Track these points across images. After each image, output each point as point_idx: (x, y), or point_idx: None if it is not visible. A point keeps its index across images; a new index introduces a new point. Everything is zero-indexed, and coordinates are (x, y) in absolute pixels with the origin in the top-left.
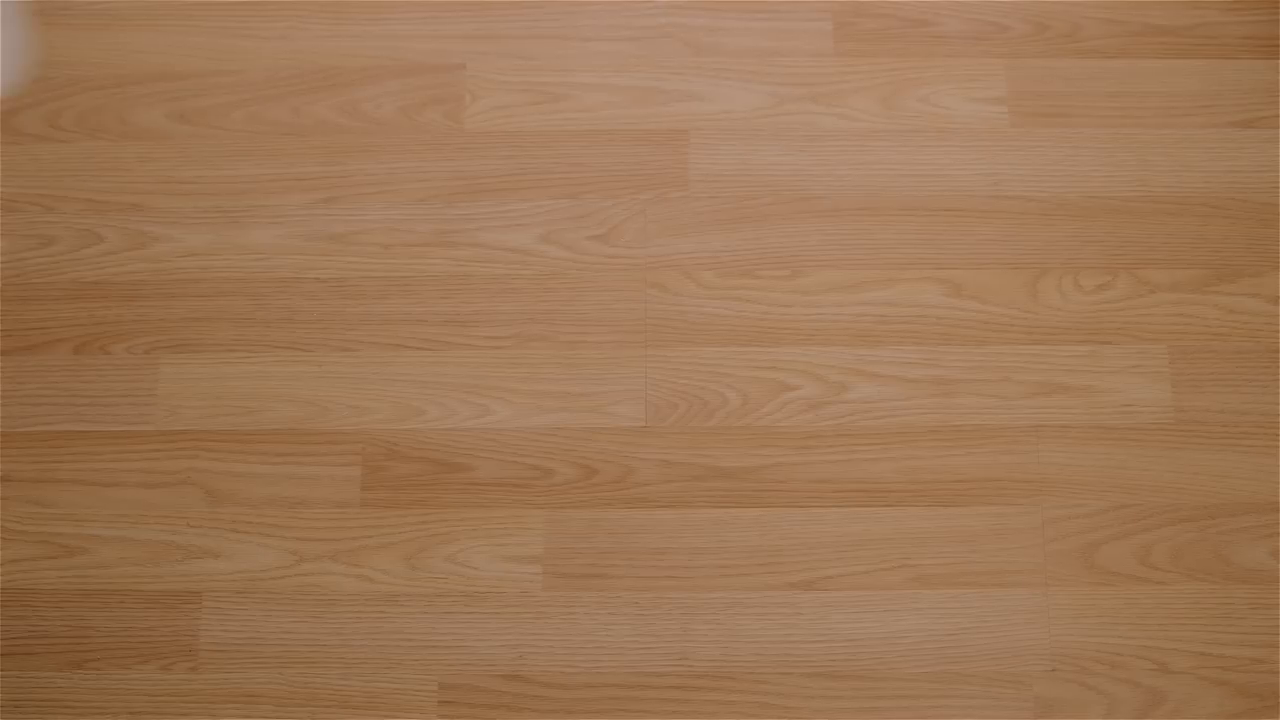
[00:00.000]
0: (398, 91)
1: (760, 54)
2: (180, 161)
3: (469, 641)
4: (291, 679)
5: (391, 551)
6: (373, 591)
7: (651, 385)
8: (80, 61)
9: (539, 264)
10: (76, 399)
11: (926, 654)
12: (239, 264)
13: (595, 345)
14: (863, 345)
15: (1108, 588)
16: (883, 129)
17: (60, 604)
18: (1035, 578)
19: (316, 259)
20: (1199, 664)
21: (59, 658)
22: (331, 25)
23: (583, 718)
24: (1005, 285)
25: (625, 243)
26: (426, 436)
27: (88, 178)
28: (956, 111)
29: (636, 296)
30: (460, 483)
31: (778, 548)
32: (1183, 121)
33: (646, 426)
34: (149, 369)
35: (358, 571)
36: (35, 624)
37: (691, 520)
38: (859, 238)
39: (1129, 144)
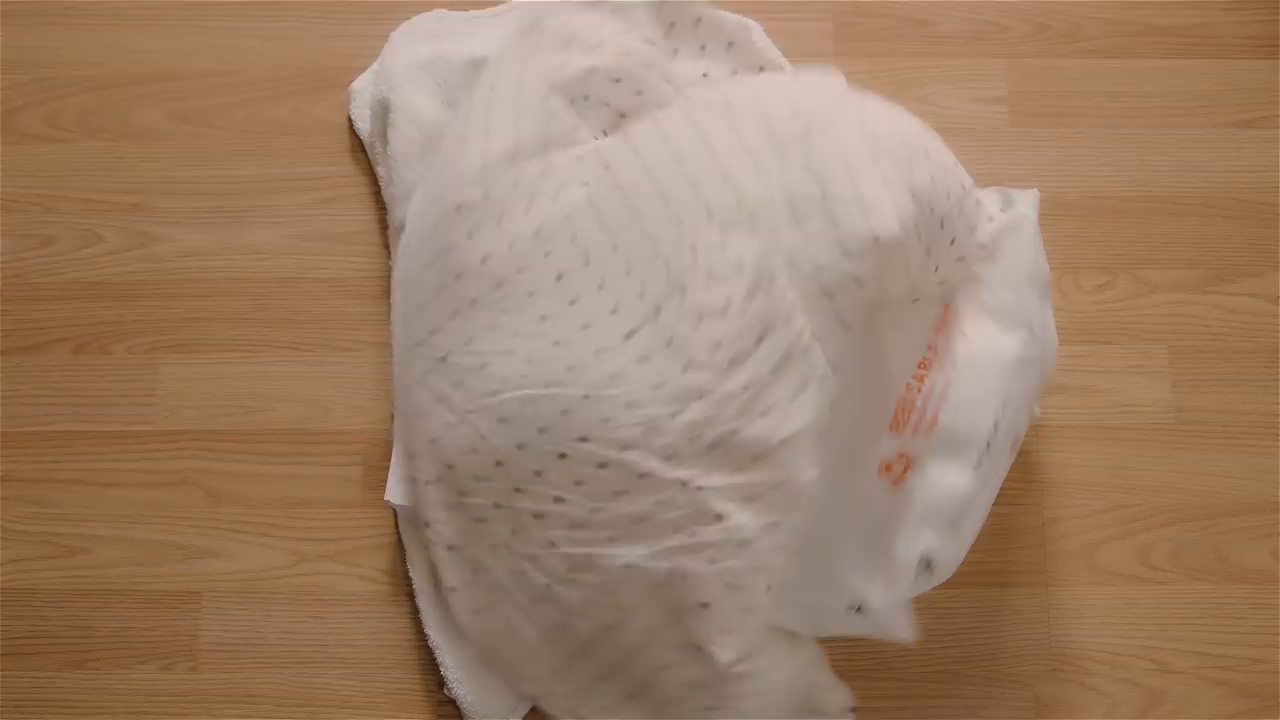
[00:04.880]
0: None
1: None
2: (180, 161)
3: None
4: (291, 679)
5: (392, 551)
6: (373, 591)
7: None
8: (80, 61)
9: None
10: (76, 399)
11: (926, 654)
12: (239, 264)
13: None
14: None
15: (1108, 588)
16: None
17: (60, 604)
18: (1035, 578)
19: (316, 259)
20: (1199, 664)
21: (59, 658)
22: (332, 25)
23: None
24: None
25: None
26: None
27: (88, 178)
28: (956, 111)
29: None
30: None
31: None
32: (1183, 121)
33: None
34: (149, 369)
35: (358, 571)
36: (35, 624)
37: None
38: None
39: (1129, 144)
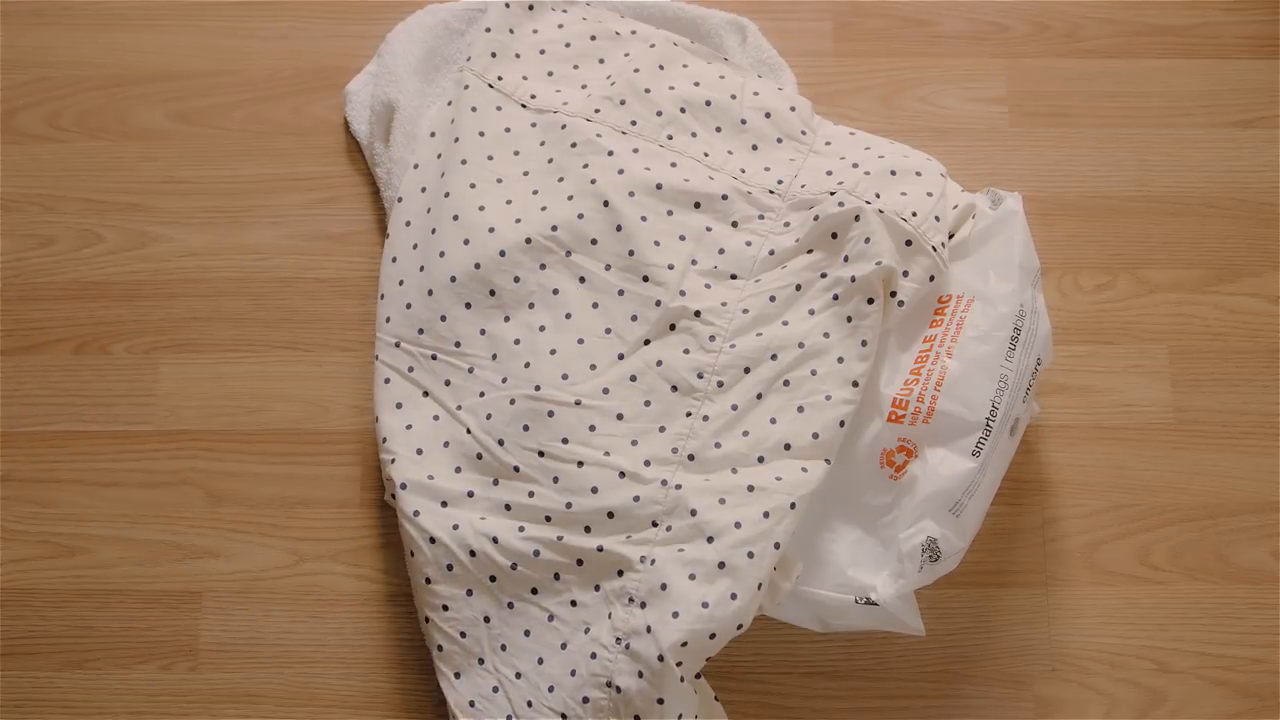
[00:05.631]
0: None
1: None
2: (180, 161)
3: None
4: (291, 679)
5: (392, 551)
6: (373, 591)
7: None
8: (80, 61)
9: None
10: (76, 399)
11: (926, 654)
12: (239, 264)
13: None
14: None
15: (1108, 588)
16: (883, 129)
17: (60, 604)
18: (1035, 578)
19: (316, 259)
20: (1199, 664)
21: (59, 658)
22: (332, 25)
23: None
24: None
25: None
26: None
27: (88, 178)
28: (956, 111)
29: None
30: None
31: None
32: (1183, 121)
33: None
34: (149, 369)
35: (358, 571)
36: (35, 624)
37: None
38: None
39: (1129, 144)
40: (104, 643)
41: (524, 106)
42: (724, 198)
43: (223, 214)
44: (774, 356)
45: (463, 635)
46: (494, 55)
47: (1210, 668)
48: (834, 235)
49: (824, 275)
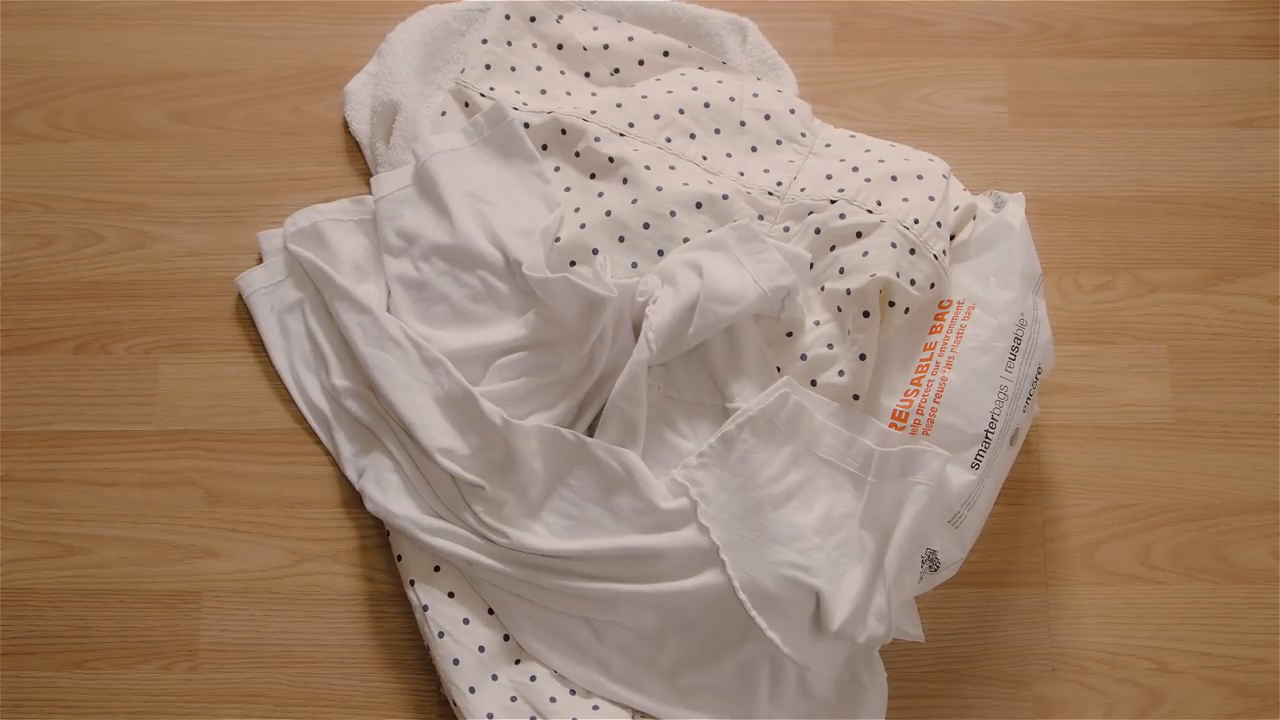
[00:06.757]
0: None
1: None
2: (180, 161)
3: None
4: (291, 679)
5: (391, 551)
6: (373, 591)
7: None
8: (80, 61)
9: None
10: (76, 399)
11: (926, 654)
12: (239, 264)
13: None
14: None
15: (1108, 588)
16: (883, 129)
17: (60, 604)
18: (1035, 578)
19: None
20: (1199, 664)
21: (59, 658)
22: (332, 25)
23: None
24: None
25: None
26: None
27: (88, 178)
28: (956, 111)
29: None
30: None
31: None
32: (1183, 121)
33: None
34: (149, 369)
35: (357, 571)
36: (35, 624)
37: None
38: None
39: (1129, 144)
40: (104, 643)
41: (515, 110)
42: (724, 198)
43: (223, 214)
44: (777, 370)
45: (481, 649)
46: (488, 67)
47: (1210, 668)
48: (832, 248)
49: (823, 289)
